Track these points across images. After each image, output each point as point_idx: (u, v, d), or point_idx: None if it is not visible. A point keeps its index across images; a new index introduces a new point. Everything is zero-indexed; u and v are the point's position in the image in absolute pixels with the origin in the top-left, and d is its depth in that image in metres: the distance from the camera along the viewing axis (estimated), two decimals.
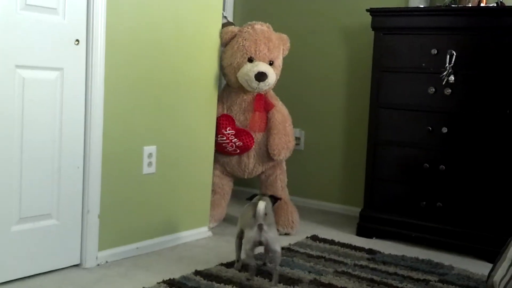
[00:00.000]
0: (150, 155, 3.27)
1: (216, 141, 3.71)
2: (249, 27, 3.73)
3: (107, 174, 3.05)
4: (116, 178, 3.11)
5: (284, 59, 3.85)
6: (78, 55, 2.88)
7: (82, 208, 2.98)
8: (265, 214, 2.76)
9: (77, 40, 2.87)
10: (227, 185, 3.95)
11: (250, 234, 2.78)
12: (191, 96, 3.49)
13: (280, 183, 3.96)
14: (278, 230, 3.11)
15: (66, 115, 2.86)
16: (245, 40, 3.67)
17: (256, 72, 3.60)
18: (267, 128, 3.79)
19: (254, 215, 2.77)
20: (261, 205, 2.74)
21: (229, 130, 3.70)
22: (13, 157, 2.67)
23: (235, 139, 3.71)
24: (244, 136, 3.72)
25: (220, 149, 3.75)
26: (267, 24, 3.83)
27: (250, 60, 3.66)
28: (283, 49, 3.85)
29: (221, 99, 3.81)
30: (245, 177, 3.94)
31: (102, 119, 2.98)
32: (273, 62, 3.73)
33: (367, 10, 3.85)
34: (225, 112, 3.79)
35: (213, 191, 3.84)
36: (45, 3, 2.73)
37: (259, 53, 3.66)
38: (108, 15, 2.96)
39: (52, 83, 2.79)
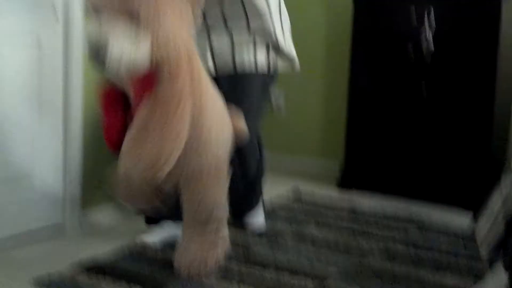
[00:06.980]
0: None
1: None
2: None
3: (88, 135, 3.05)
4: (97, 139, 3.08)
5: None
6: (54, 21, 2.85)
7: (63, 172, 2.97)
8: None
9: (53, 5, 2.83)
10: None
11: None
12: None
13: None
14: None
15: (46, 82, 2.84)
16: None
17: None
18: None
19: None
20: None
21: None
22: None
23: None
24: None
25: None
26: None
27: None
28: None
29: None
30: None
31: (81, 86, 2.97)
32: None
33: None
34: None
35: None
36: None
37: None
38: None
39: (29, 49, 2.76)
